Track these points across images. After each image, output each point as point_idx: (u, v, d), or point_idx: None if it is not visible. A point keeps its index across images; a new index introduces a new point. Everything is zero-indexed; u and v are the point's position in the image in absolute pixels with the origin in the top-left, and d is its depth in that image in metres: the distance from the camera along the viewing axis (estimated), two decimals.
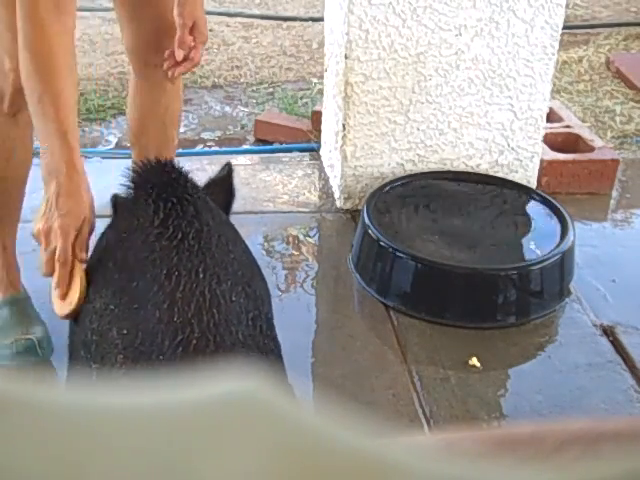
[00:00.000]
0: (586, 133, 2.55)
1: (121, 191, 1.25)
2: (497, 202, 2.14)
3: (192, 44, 1.60)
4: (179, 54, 1.60)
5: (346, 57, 2.07)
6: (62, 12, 1.24)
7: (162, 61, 1.65)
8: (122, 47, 3.79)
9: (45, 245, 1.19)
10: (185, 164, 2.67)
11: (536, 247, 1.95)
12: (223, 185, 1.36)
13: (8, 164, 1.63)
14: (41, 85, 1.23)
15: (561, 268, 1.91)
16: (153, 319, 1.08)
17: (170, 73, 1.64)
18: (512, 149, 2.26)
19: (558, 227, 1.98)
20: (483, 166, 2.27)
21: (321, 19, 2.67)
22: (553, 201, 2.08)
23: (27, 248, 1.97)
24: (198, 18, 1.61)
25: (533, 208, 2.12)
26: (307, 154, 2.66)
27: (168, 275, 1.11)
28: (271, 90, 3.37)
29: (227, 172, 1.36)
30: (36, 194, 2.32)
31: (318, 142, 2.59)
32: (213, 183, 1.35)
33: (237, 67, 3.58)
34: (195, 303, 1.08)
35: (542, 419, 1.55)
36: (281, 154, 2.68)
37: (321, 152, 2.53)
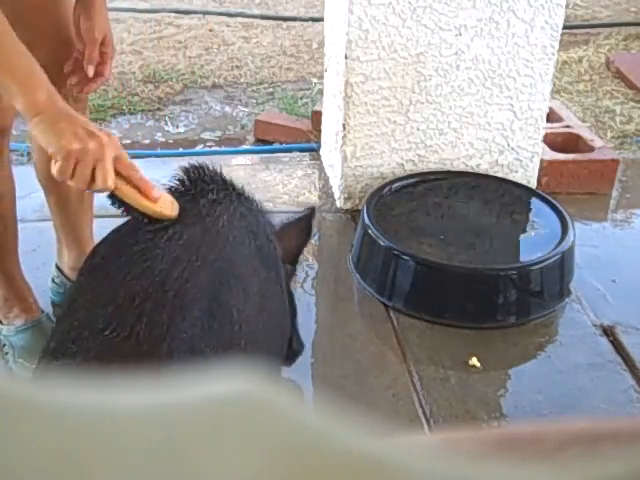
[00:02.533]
0: (586, 133, 2.55)
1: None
2: (497, 202, 2.14)
3: (99, 59, 1.51)
4: (91, 70, 1.50)
5: (346, 57, 2.07)
6: None
7: (64, 83, 1.52)
8: (122, 47, 3.80)
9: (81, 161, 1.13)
10: (185, 164, 2.67)
11: (536, 247, 1.95)
12: (301, 225, 1.42)
13: (2, 204, 1.62)
14: None
15: (561, 268, 1.91)
16: (98, 301, 1.08)
17: (79, 89, 1.53)
18: (512, 149, 2.26)
19: (558, 227, 1.98)
20: (483, 166, 2.27)
21: (321, 19, 2.67)
22: (553, 201, 2.08)
23: (27, 248, 1.97)
24: (107, 32, 1.53)
25: (533, 208, 2.12)
26: (307, 154, 2.66)
27: (138, 262, 1.11)
28: (271, 90, 3.37)
29: (309, 214, 1.41)
30: (36, 194, 2.32)
31: (318, 142, 2.59)
32: (292, 222, 1.42)
33: (237, 67, 3.59)
34: (148, 298, 1.06)
35: (542, 419, 1.55)
36: (281, 154, 2.68)
37: (321, 152, 2.53)
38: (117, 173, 1.17)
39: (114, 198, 1.20)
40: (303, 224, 1.44)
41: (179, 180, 1.28)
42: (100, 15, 1.52)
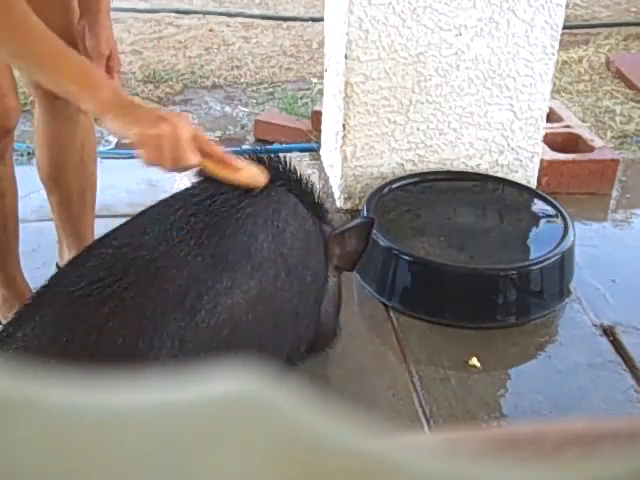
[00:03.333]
0: (586, 133, 2.55)
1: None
2: (497, 202, 2.14)
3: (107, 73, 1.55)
4: None
5: (346, 57, 2.07)
6: None
7: None
8: (122, 47, 3.80)
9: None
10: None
11: (536, 247, 1.95)
12: (360, 231, 1.44)
13: (5, 202, 1.62)
14: (16, 47, 1.17)
15: (561, 268, 1.91)
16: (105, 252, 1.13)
17: None
18: (512, 149, 2.26)
19: (558, 227, 1.98)
20: (483, 166, 2.27)
21: (321, 19, 2.67)
22: (553, 201, 2.08)
23: (27, 248, 1.97)
24: (113, 46, 1.55)
25: (533, 208, 2.12)
26: (307, 154, 2.66)
27: (150, 226, 1.16)
28: (271, 90, 3.37)
29: (369, 221, 1.44)
30: (35, 194, 2.32)
31: (318, 142, 2.59)
32: (352, 228, 1.45)
33: (237, 67, 3.59)
34: (141, 262, 1.10)
35: (542, 419, 1.55)
36: (281, 154, 2.67)
37: (321, 152, 2.53)
38: (199, 150, 1.22)
39: (202, 174, 1.27)
40: (363, 231, 1.45)
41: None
42: (106, 30, 1.53)
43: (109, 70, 1.54)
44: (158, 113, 1.21)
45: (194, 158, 1.20)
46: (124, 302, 1.07)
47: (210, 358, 1.10)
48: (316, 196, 1.42)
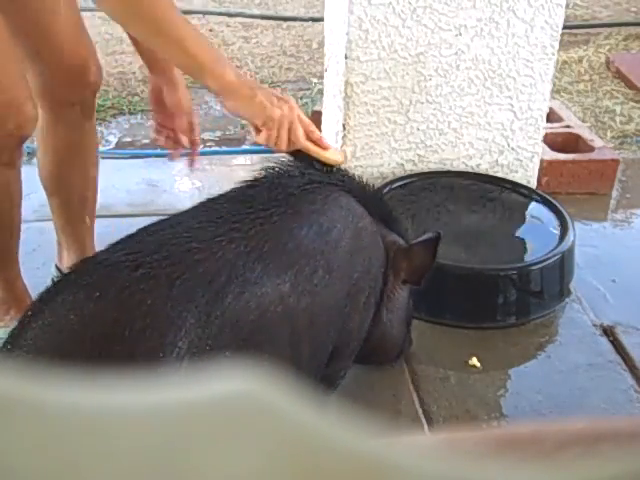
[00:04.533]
0: (586, 133, 2.55)
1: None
2: (497, 202, 2.14)
3: (189, 128, 1.61)
4: (185, 140, 1.60)
5: (346, 57, 2.07)
6: None
7: (80, 98, 1.61)
8: (122, 47, 3.80)
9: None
10: (185, 164, 2.65)
11: (536, 247, 1.95)
12: (427, 247, 1.46)
13: (12, 210, 1.62)
14: (161, 39, 1.26)
15: (561, 268, 1.91)
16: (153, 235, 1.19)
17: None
18: (512, 149, 2.26)
19: (558, 227, 1.98)
20: (483, 166, 2.27)
21: (321, 19, 2.67)
22: (553, 201, 2.08)
23: (27, 248, 1.97)
24: (190, 103, 1.61)
25: (533, 208, 2.12)
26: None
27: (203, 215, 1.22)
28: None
29: (435, 237, 1.45)
30: (35, 194, 2.31)
31: None
32: (419, 243, 1.47)
33: (237, 67, 3.58)
34: (184, 253, 1.14)
35: (542, 419, 1.55)
36: (281, 154, 2.67)
37: None
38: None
39: (299, 153, 1.35)
40: (430, 246, 1.46)
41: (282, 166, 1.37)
42: (182, 85, 1.58)
43: (191, 125, 1.60)
44: (276, 94, 1.30)
45: (303, 139, 1.30)
46: (155, 270, 1.11)
47: (234, 340, 1.14)
48: (385, 205, 1.47)
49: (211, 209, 1.26)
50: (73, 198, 1.78)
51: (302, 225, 1.27)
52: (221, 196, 1.32)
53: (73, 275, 1.17)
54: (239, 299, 1.16)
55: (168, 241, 1.16)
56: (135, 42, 1.55)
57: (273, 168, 1.36)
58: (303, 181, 1.33)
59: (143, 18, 1.24)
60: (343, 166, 1.46)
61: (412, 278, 1.50)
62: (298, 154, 1.34)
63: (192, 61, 1.25)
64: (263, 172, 1.35)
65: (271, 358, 1.19)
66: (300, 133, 1.28)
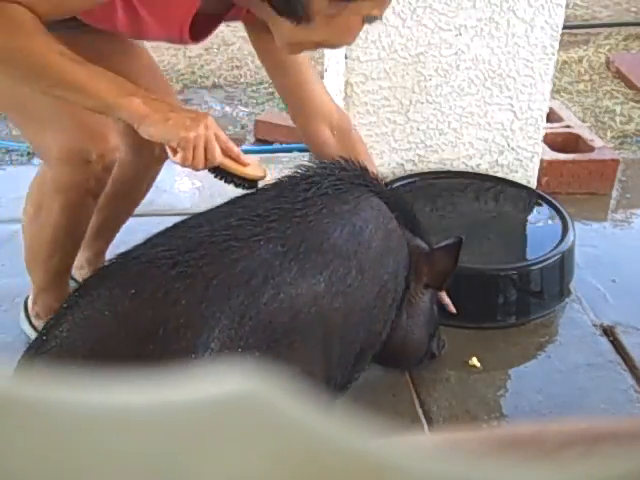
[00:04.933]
0: (586, 133, 2.55)
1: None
2: (497, 202, 2.14)
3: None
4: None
5: (346, 57, 2.07)
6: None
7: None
8: None
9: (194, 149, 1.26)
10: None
11: (536, 247, 1.95)
12: (449, 251, 1.47)
13: (84, 229, 1.63)
14: (51, 81, 1.23)
15: (561, 268, 1.91)
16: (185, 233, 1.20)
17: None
18: (512, 149, 2.26)
19: (558, 227, 1.98)
20: (483, 166, 2.27)
21: None
22: (553, 201, 2.08)
23: None
24: None
25: (533, 208, 2.12)
26: (307, 154, 2.65)
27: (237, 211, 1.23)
28: (271, 90, 3.37)
29: (457, 242, 1.46)
30: None
31: None
32: (442, 247, 1.48)
33: (237, 67, 3.59)
34: (222, 249, 1.15)
35: (542, 419, 1.55)
36: (281, 154, 2.68)
37: None
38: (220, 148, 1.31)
39: (217, 170, 1.34)
40: (452, 251, 1.47)
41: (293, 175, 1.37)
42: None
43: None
44: (190, 114, 1.28)
45: (220, 156, 1.28)
46: (192, 269, 1.11)
47: (266, 341, 1.14)
48: (409, 209, 1.47)
49: (248, 206, 1.26)
50: (111, 217, 1.78)
51: (336, 225, 1.27)
52: (256, 193, 1.32)
53: (110, 269, 1.17)
54: (274, 300, 1.16)
55: (207, 239, 1.16)
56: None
57: (306, 167, 1.36)
58: (335, 181, 1.33)
59: (45, 74, 1.21)
60: None
61: (434, 282, 1.50)
62: (217, 170, 1.34)
63: (95, 101, 1.22)
64: (296, 171, 1.36)
65: (303, 359, 1.19)
66: (217, 151, 1.27)
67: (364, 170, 1.41)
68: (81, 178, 1.46)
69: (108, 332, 1.08)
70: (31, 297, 1.73)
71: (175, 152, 1.26)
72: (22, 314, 1.76)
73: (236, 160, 1.34)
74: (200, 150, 1.25)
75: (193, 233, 1.19)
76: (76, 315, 1.10)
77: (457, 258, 1.47)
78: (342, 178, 1.35)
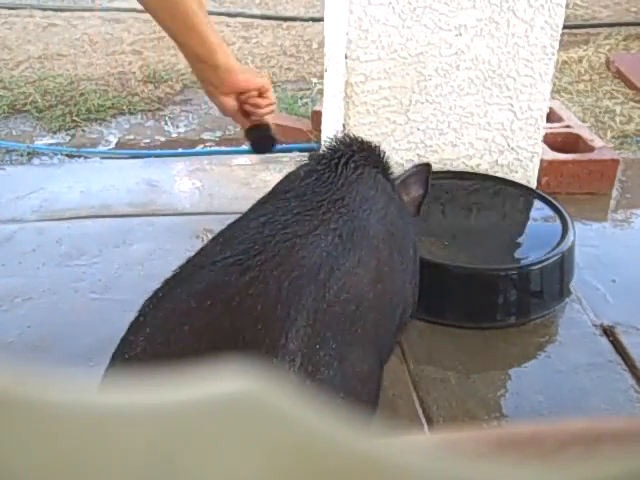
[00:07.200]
0: (586, 133, 2.55)
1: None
2: (497, 202, 2.14)
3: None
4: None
5: (346, 57, 2.07)
6: None
7: None
8: (122, 47, 3.80)
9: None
10: (185, 164, 2.67)
11: (536, 247, 1.95)
12: (418, 177, 1.52)
13: None
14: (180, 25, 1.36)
15: (561, 268, 1.91)
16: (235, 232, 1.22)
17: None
18: (512, 149, 2.26)
19: (558, 227, 1.98)
20: (483, 166, 2.27)
21: (321, 19, 2.67)
22: (553, 201, 2.08)
23: (27, 248, 1.97)
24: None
25: (533, 208, 2.12)
26: (307, 154, 2.65)
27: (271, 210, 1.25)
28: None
29: (424, 167, 1.53)
30: (35, 194, 2.31)
31: (318, 142, 2.59)
32: (410, 176, 1.53)
33: None
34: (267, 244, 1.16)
35: (542, 419, 1.55)
36: (281, 154, 2.68)
37: None
38: None
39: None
40: (422, 176, 1.52)
41: (328, 147, 1.39)
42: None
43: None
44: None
45: None
46: (263, 273, 1.11)
47: (338, 332, 1.14)
48: (383, 157, 1.47)
49: (297, 200, 1.26)
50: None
51: (372, 211, 1.29)
52: (291, 186, 1.32)
53: (180, 279, 1.17)
54: (342, 290, 1.17)
55: (271, 238, 1.16)
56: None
57: (322, 155, 1.37)
58: (353, 165, 1.34)
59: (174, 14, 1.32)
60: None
61: (411, 210, 1.54)
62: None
63: (205, 44, 1.35)
64: (313, 159, 1.36)
65: (363, 345, 1.20)
66: None
67: (362, 144, 1.42)
68: None
69: (187, 348, 1.06)
70: None
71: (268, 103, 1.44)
72: None
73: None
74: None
75: (256, 234, 1.18)
76: (152, 332, 1.10)
77: (428, 182, 1.52)
78: (356, 161, 1.36)
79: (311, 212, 1.22)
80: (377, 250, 1.26)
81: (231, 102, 1.52)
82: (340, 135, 1.41)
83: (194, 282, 1.13)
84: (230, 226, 1.26)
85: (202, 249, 1.23)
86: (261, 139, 1.52)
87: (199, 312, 1.08)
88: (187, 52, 1.44)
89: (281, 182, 1.38)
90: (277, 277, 1.11)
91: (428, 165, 1.53)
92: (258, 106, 1.55)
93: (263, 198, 1.34)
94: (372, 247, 1.25)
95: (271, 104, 1.58)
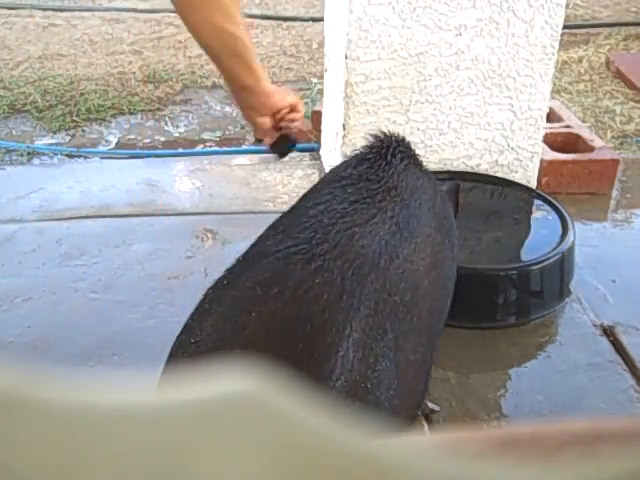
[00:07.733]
0: (586, 133, 2.55)
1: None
2: (497, 202, 2.14)
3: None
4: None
5: (346, 57, 2.07)
6: None
7: None
8: (122, 47, 3.80)
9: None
10: (185, 164, 2.67)
11: (536, 247, 1.95)
12: (450, 196, 1.53)
13: None
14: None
15: (561, 268, 1.91)
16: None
17: None
18: (512, 149, 2.26)
19: (558, 227, 1.98)
20: (483, 166, 2.27)
21: (321, 19, 2.67)
22: (553, 201, 2.08)
23: (27, 248, 1.97)
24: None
25: (533, 208, 2.12)
26: (307, 154, 2.66)
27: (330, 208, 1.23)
28: None
29: (454, 187, 1.54)
30: (35, 194, 2.31)
31: (318, 142, 2.59)
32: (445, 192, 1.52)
33: None
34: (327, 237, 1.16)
35: (542, 419, 1.55)
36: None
37: (321, 152, 2.53)
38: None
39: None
40: (451, 195, 1.54)
41: (370, 145, 1.39)
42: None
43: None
44: None
45: None
46: (327, 263, 1.12)
47: (395, 322, 1.15)
48: (414, 152, 1.49)
49: (352, 187, 1.26)
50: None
51: (422, 200, 1.30)
52: (344, 174, 1.32)
53: (246, 266, 1.18)
54: (400, 279, 1.17)
55: (331, 227, 1.17)
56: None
57: (371, 144, 1.37)
58: (400, 156, 1.34)
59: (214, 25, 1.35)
60: None
61: None
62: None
63: (251, 73, 1.38)
64: (365, 149, 1.36)
65: (418, 334, 1.20)
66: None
67: (398, 137, 1.43)
68: None
69: (255, 333, 1.08)
70: None
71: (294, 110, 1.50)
72: None
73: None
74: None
75: (316, 223, 1.19)
76: (218, 318, 1.11)
77: (458, 201, 1.58)
78: (402, 151, 1.36)
79: (367, 200, 1.22)
80: (431, 238, 1.27)
81: (268, 122, 1.55)
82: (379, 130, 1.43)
83: (259, 271, 1.14)
84: (287, 215, 1.27)
85: (261, 238, 1.23)
86: (287, 149, 1.56)
87: (266, 300, 1.09)
88: (232, 81, 1.45)
89: (332, 170, 1.39)
90: (340, 266, 1.12)
91: (458, 185, 1.54)
92: (294, 121, 1.59)
93: (316, 186, 1.35)
94: (426, 235, 1.26)
95: (302, 116, 1.63)
